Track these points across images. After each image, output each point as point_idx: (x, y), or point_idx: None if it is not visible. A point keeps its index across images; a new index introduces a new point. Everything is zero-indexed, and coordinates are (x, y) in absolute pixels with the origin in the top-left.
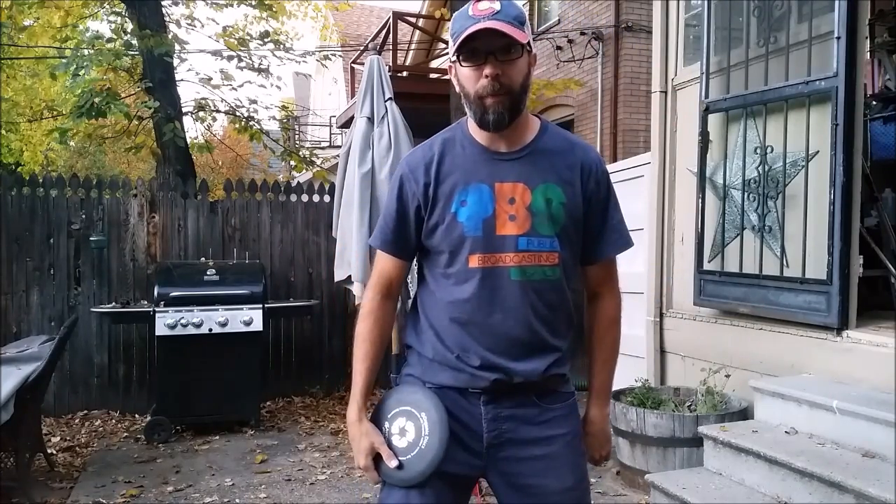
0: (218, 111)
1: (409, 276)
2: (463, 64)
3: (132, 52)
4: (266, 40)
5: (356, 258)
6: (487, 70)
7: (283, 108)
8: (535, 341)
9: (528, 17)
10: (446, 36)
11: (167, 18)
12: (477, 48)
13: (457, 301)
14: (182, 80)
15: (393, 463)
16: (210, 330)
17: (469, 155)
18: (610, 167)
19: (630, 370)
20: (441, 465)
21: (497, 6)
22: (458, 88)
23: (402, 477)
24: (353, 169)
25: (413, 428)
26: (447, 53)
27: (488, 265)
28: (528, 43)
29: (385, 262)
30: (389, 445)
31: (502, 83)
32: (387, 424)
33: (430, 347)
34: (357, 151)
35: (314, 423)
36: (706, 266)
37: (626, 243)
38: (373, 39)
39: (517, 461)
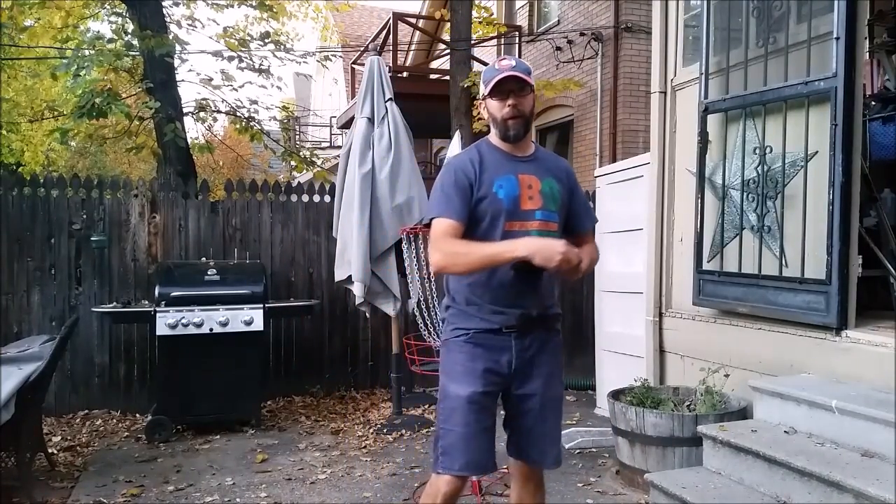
0: (219, 112)
1: (410, 277)
2: (493, 98)
3: (133, 53)
4: (266, 41)
5: (356, 258)
6: (510, 101)
7: (284, 108)
8: (544, 285)
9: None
10: (446, 37)
11: (168, 19)
12: (502, 89)
13: None
14: (183, 80)
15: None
16: (211, 330)
17: (498, 157)
18: (609, 167)
19: (629, 370)
20: None
21: (513, 62)
22: (486, 116)
23: None
24: (354, 169)
25: None
26: (447, 55)
27: (517, 229)
28: (533, 86)
29: (453, 227)
30: None
31: (519, 110)
32: None
33: (475, 298)
34: (357, 152)
35: (314, 422)
36: (705, 266)
37: (595, 220)
38: (373, 40)
39: (531, 378)
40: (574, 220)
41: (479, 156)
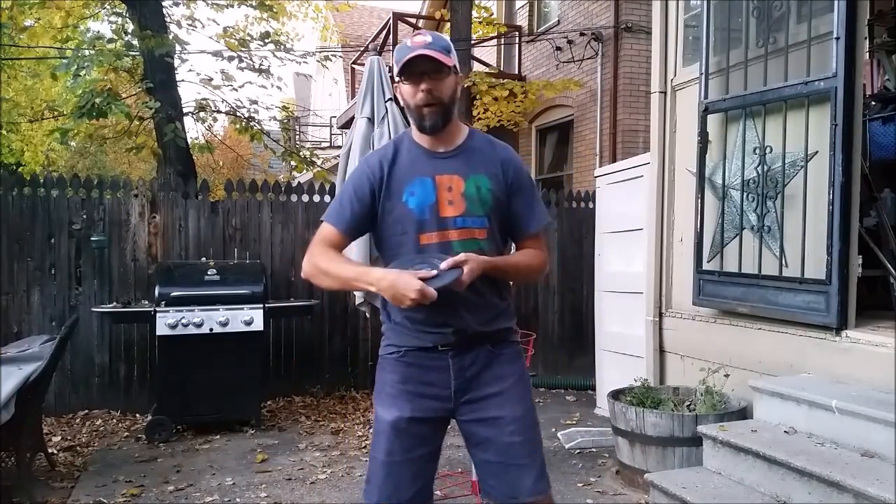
0: (219, 112)
1: None
2: (404, 83)
3: (133, 53)
4: (266, 41)
5: (356, 258)
6: (423, 86)
7: (284, 108)
8: (480, 300)
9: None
10: (446, 36)
11: (168, 19)
12: (414, 70)
13: None
14: (183, 80)
15: (434, 272)
16: (211, 330)
17: (414, 155)
18: (609, 167)
19: (629, 370)
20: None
21: (429, 39)
22: (402, 102)
23: (446, 279)
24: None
25: (427, 266)
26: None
27: (435, 241)
28: (455, 66)
29: (334, 236)
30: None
31: (434, 96)
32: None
33: (400, 317)
34: (357, 152)
35: (314, 422)
36: (705, 266)
37: (545, 219)
38: (373, 40)
39: (479, 400)
40: (515, 220)
41: (394, 154)
